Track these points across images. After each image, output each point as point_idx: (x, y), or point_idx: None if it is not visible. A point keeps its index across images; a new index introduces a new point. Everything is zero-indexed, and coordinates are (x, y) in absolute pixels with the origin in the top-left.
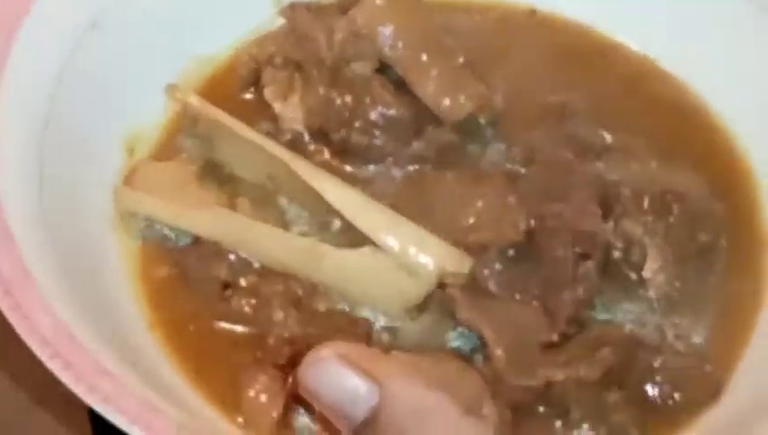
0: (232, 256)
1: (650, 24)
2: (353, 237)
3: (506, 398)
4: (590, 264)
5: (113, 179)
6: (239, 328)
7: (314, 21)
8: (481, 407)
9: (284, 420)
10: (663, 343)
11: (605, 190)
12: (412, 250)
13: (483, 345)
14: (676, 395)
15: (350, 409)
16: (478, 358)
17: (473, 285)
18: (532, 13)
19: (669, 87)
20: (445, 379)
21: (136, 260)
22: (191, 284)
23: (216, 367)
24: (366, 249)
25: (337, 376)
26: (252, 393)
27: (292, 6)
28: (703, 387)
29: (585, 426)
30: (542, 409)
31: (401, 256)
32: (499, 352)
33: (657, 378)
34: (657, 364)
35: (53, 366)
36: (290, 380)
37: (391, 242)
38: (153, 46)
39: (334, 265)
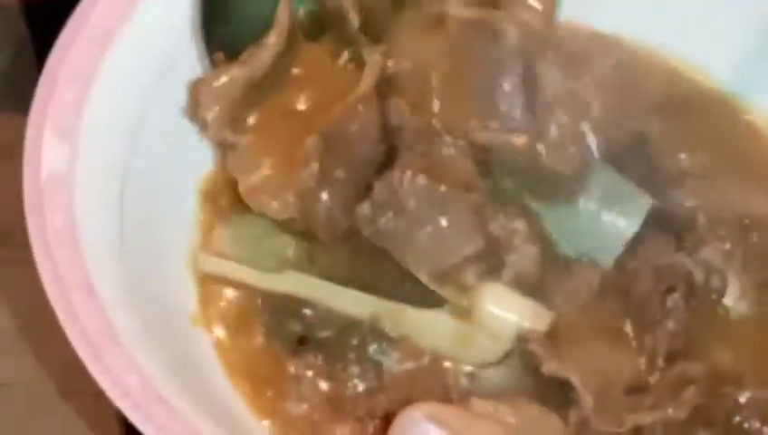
0: (308, 311)
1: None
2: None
3: None
4: (676, 296)
5: (191, 230)
6: (316, 381)
7: None
8: None
9: None
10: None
11: (681, 219)
12: (491, 309)
13: (570, 392)
14: (766, 429)
15: None
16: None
17: (554, 330)
18: None
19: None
20: (526, 426)
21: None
22: (267, 338)
23: (294, 420)
24: (445, 309)
25: None
26: None
27: None
28: None
29: None
30: None
31: (480, 316)
32: (588, 398)
33: (745, 412)
34: (742, 399)
35: (147, 430)
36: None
37: (469, 302)
38: None
39: (413, 326)
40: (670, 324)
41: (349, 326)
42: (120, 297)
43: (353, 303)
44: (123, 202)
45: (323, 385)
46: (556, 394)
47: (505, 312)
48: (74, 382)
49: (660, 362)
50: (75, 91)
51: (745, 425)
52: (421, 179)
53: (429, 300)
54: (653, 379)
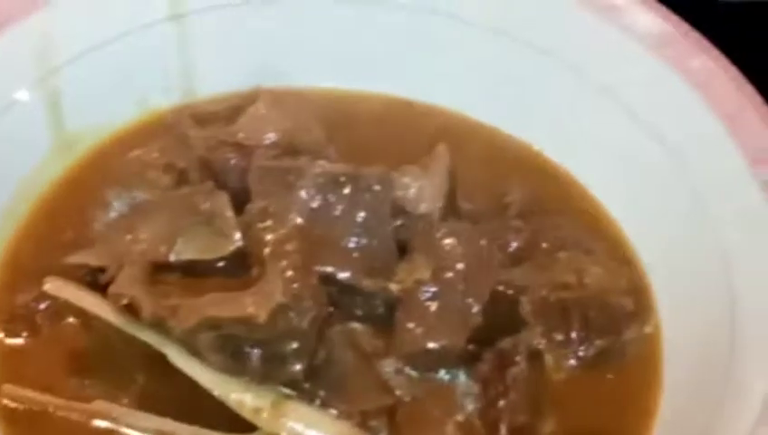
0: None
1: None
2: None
3: None
4: (514, 370)
5: None
6: None
7: (199, 129)
8: None
9: None
10: None
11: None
12: (302, 434)
13: None
14: None
15: None
16: None
17: None
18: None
19: None
20: None
21: None
22: None
23: None
24: (258, 433)
25: None
26: None
27: (178, 112)
28: None
29: None
30: None
31: None
32: None
33: None
34: None
35: None
36: None
37: (277, 426)
38: None
39: None
40: (512, 396)
41: None
42: None
43: (165, 429)
44: None
45: None
46: None
47: (314, 433)
48: None
49: (504, 432)
50: None
51: None
52: None
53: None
54: None
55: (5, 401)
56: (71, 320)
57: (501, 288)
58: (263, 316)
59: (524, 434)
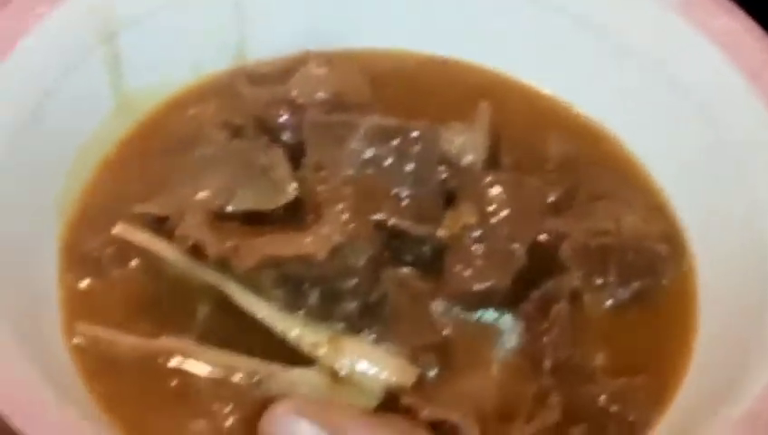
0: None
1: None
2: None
3: None
4: (557, 307)
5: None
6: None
7: (254, 88)
8: None
9: None
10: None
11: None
12: (356, 367)
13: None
14: (627, 410)
15: None
16: None
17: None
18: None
19: None
20: (396, 429)
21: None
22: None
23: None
24: (315, 368)
25: (295, 429)
26: None
27: (234, 73)
28: (645, 397)
29: None
30: None
31: (346, 373)
32: (474, 432)
33: (603, 402)
34: (596, 392)
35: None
36: None
37: (334, 360)
38: None
39: (286, 385)
40: (555, 332)
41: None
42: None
43: (229, 363)
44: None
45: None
46: None
47: (372, 369)
48: None
49: (548, 366)
50: None
51: (612, 409)
52: None
53: (300, 359)
54: (543, 385)
55: (77, 340)
56: (136, 263)
57: (542, 235)
58: (321, 255)
59: (569, 369)
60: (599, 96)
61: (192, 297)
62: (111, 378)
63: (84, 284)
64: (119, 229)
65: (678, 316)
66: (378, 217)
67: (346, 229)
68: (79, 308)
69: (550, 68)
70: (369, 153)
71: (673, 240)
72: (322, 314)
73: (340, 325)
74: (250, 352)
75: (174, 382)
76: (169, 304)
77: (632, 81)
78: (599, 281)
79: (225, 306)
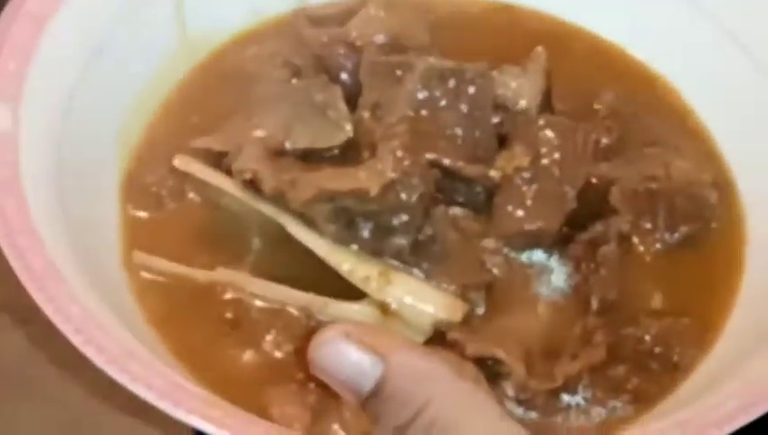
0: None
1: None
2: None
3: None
4: (605, 249)
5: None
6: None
7: (314, 29)
8: None
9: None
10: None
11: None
12: (405, 301)
13: (497, 367)
14: (671, 351)
15: (357, 382)
16: None
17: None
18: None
19: None
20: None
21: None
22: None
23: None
24: (365, 301)
25: (342, 353)
26: (277, 410)
27: (295, 13)
28: (689, 338)
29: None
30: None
31: (396, 307)
32: (519, 367)
33: (647, 342)
34: (641, 332)
35: (88, 351)
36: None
37: (384, 294)
38: None
39: (335, 316)
40: (603, 272)
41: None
42: (61, 244)
43: (282, 296)
44: (61, 158)
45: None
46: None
47: (421, 304)
48: None
49: (595, 306)
50: (16, 63)
51: (656, 350)
52: None
53: (350, 293)
54: (588, 325)
55: (134, 269)
56: (194, 196)
57: (593, 179)
58: (374, 190)
59: (615, 310)
60: (657, 44)
61: (248, 230)
62: (167, 306)
63: (143, 214)
64: (178, 161)
65: (726, 260)
66: (431, 156)
67: (399, 166)
68: (137, 238)
69: (612, 15)
70: (424, 94)
71: (723, 187)
72: (374, 248)
73: (392, 260)
74: (303, 284)
75: (228, 313)
76: (226, 236)
77: (693, 33)
78: (647, 225)
79: (280, 239)
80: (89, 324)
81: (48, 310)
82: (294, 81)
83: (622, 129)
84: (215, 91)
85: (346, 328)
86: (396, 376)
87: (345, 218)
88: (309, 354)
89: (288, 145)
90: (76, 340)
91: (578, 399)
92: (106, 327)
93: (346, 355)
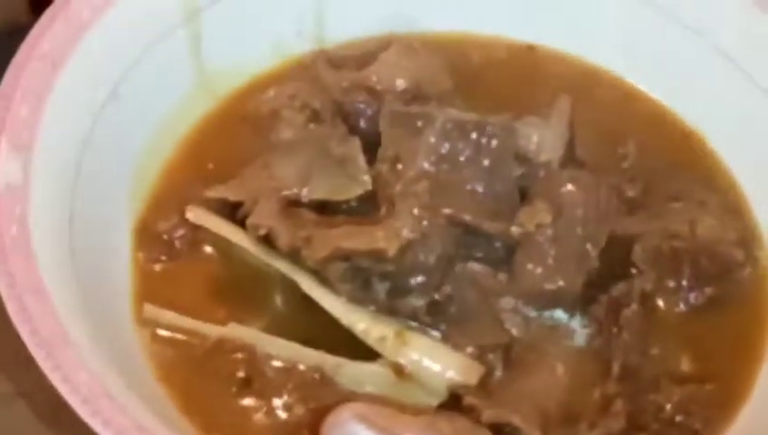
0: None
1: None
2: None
3: None
4: (628, 311)
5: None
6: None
7: (334, 72)
8: None
9: None
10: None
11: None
12: (421, 363)
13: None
14: (693, 419)
15: None
16: None
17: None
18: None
19: None
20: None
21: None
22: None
23: None
24: (380, 362)
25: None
26: None
27: (314, 55)
28: (713, 405)
29: None
30: None
31: (411, 369)
32: (536, 433)
33: (668, 410)
34: (662, 399)
35: (94, 423)
36: None
37: (399, 355)
38: None
39: (349, 377)
40: (626, 336)
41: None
42: (70, 301)
43: (295, 354)
44: (73, 214)
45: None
46: None
47: (436, 366)
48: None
49: (616, 371)
50: (29, 109)
51: (677, 419)
52: None
53: (366, 354)
54: (609, 390)
55: (145, 323)
56: (208, 248)
57: (616, 235)
58: (392, 250)
59: (637, 375)
60: (685, 92)
61: (262, 286)
62: (178, 362)
63: (156, 265)
64: (191, 214)
65: (752, 323)
66: (450, 211)
67: (418, 226)
68: (149, 290)
69: (636, 61)
70: (445, 147)
71: (749, 245)
72: (390, 308)
73: (407, 321)
74: (316, 344)
75: (239, 371)
76: (239, 291)
77: (720, 82)
78: (671, 284)
79: (296, 297)
80: (96, 392)
81: (55, 379)
82: (312, 126)
83: (647, 180)
84: (232, 135)
85: (360, 410)
86: None
87: (361, 278)
88: (322, 434)
89: (305, 196)
90: (82, 411)
91: None
92: (113, 394)
93: None
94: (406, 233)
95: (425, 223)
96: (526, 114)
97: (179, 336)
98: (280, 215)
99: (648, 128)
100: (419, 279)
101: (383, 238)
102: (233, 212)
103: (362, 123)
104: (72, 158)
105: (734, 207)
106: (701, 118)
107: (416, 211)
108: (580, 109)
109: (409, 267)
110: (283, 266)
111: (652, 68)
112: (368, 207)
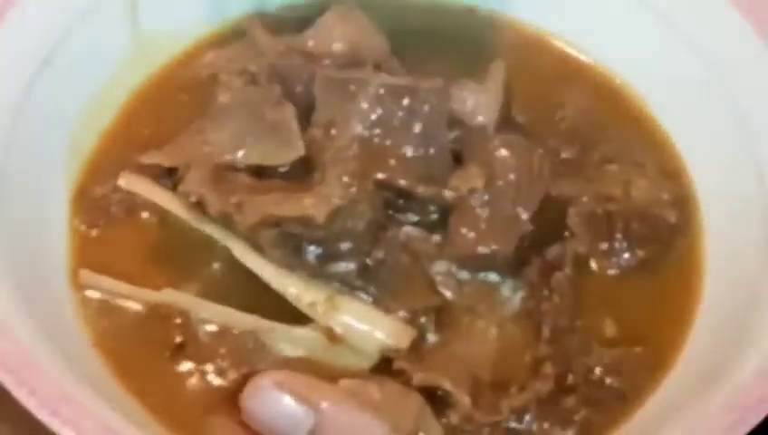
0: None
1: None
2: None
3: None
4: (560, 274)
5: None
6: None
7: (270, 36)
8: (418, 428)
9: None
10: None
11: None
12: (351, 326)
13: (446, 396)
14: (621, 382)
15: (290, 432)
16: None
17: (417, 342)
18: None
19: None
20: (388, 400)
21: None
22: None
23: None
24: (312, 326)
25: (275, 403)
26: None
27: (250, 19)
28: (641, 368)
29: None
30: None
31: (342, 333)
32: (464, 398)
33: (598, 372)
34: (592, 362)
35: (19, 395)
36: None
37: (330, 319)
38: None
39: (282, 341)
40: (556, 299)
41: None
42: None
43: (229, 318)
44: (5, 172)
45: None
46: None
47: (367, 329)
48: None
49: (546, 334)
50: None
51: (607, 380)
52: None
53: (299, 319)
54: (539, 353)
55: (81, 287)
56: (145, 214)
57: (551, 198)
58: (321, 217)
59: (568, 338)
60: (622, 53)
61: (198, 251)
62: (113, 327)
63: (92, 230)
64: (123, 180)
65: (683, 287)
66: (383, 176)
67: (347, 192)
68: (85, 255)
69: (576, 24)
70: (378, 112)
71: (683, 207)
72: (321, 273)
73: (338, 286)
74: (250, 308)
75: (175, 336)
76: (174, 255)
77: (657, 44)
78: (604, 247)
79: (230, 263)
80: (21, 361)
81: None
82: (250, 88)
83: (583, 142)
84: (169, 101)
85: (279, 377)
86: (328, 428)
87: (292, 244)
88: (241, 402)
89: (239, 161)
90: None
91: (524, 430)
92: (40, 363)
93: (278, 405)
94: (335, 200)
95: (353, 190)
96: (464, 78)
97: (115, 302)
98: (212, 181)
99: (585, 91)
100: (349, 245)
101: (312, 205)
102: (168, 177)
103: (298, 87)
104: (4, 126)
105: (669, 169)
106: (639, 80)
107: (345, 178)
108: (519, 73)
109: (339, 233)
110: (215, 232)
111: (591, 31)
112: (304, 172)
